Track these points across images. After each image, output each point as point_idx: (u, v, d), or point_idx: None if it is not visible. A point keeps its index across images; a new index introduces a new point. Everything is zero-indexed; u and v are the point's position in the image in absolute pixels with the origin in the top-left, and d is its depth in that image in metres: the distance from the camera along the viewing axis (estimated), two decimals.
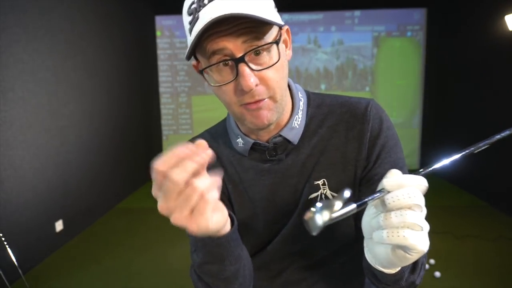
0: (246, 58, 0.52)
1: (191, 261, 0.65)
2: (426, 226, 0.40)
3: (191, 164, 0.39)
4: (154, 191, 0.41)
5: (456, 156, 0.49)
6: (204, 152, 0.40)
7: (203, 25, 0.49)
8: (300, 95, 0.68)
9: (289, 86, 0.67)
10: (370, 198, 0.41)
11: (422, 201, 0.40)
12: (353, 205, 0.41)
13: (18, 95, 2.60)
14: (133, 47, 4.77)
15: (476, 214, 3.62)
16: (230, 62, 0.53)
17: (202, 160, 0.40)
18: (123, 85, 4.47)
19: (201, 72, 0.59)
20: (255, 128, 0.60)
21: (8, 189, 2.48)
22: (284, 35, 0.60)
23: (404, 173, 0.62)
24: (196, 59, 0.60)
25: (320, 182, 0.64)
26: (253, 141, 0.66)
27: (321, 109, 0.68)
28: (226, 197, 0.69)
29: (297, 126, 0.65)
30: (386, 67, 5.51)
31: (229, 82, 0.54)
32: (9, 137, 2.51)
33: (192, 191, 0.39)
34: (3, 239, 2.21)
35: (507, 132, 0.50)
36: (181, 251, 2.94)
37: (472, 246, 2.91)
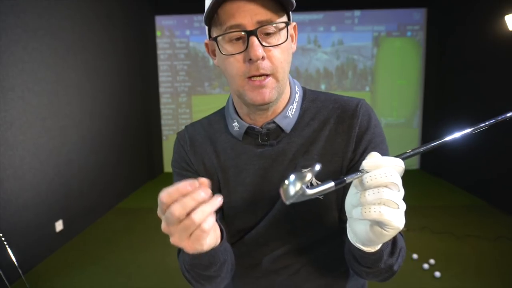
0: (258, 33, 0.57)
1: (178, 251, 0.70)
2: (402, 205, 0.42)
3: (190, 201, 0.43)
4: (159, 213, 0.46)
5: (434, 143, 0.52)
6: (204, 190, 0.44)
7: None
8: (297, 88, 0.72)
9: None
10: (349, 177, 0.44)
11: (398, 180, 0.42)
12: (331, 183, 0.43)
13: (18, 95, 2.60)
14: (133, 47, 4.77)
15: (476, 214, 3.63)
16: (243, 34, 0.58)
17: (201, 198, 0.44)
18: (123, 85, 4.47)
19: (214, 41, 0.62)
20: (254, 105, 0.63)
21: (8, 189, 2.48)
22: (292, 30, 0.66)
23: None
24: (209, 37, 0.65)
25: (306, 170, 0.67)
26: (248, 125, 0.69)
27: (315, 103, 0.72)
28: (216, 188, 0.72)
29: (291, 116, 0.69)
30: (386, 67, 5.51)
31: (239, 53, 0.59)
32: (9, 137, 2.51)
33: (191, 223, 0.43)
34: (3, 239, 2.21)
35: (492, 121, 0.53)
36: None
37: (472, 246, 2.91)
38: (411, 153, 0.47)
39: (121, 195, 4.38)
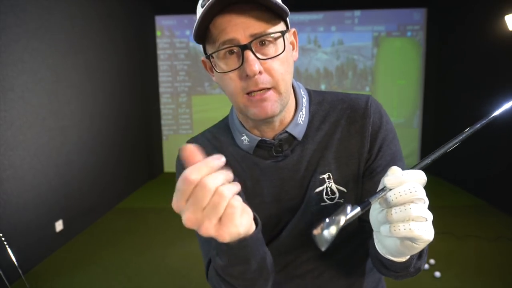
0: (252, 46, 0.54)
1: (206, 263, 0.66)
2: (430, 216, 0.42)
3: (220, 175, 0.40)
4: (179, 203, 0.40)
5: (449, 146, 0.52)
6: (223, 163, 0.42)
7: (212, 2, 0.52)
8: (302, 93, 0.70)
9: (292, 85, 0.69)
10: (373, 197, 0.43)
11: (423, 194, 0.42)
12: (358, 208, 0.43)
13: (18, 95, 2.60)
14: (133, 47, 4.77)
15: (476, 214, 3.62)
16: (236, 50, 0.55)
17: (228, 175, 0.41)
18: (123, 85, 4.47)
19: (209, 59, 0.60)
20: (258, 120, 0.60)
21: (8, 189, 2.48)
22: (291, 37, 0.64)
23: (402, 164, 0.60)
24: (205, 54, 0.61)
25: (325, 176, 0.66)
26: (259, 138, 0.66)
27: (323, 105, 0.70)
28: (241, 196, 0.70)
29: (302, 123, 0.67)
30: (386, 67, 5.51)
31: (235, 69, 0.56)
32: (9, 137, 2.51)
33: (220, 198, 0.40)
34: (3, 239, 2.21)
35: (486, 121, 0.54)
36: (181, 251, 2.94)
37: (472, 246, 2.91)
38: (429, 160, 0.48)
39: (121, 195, 4.38)
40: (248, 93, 0.57)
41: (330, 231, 0.42)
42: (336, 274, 0.72)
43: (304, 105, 0.68)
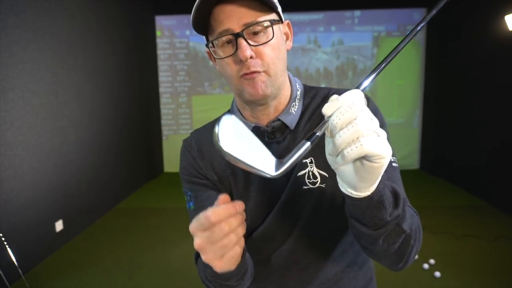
0: (245, 34, 0.60)
1: (196, 257, 0.72)
2: (382, 132, 0.40)
3: (234, 222, 0.47)
4: (196, 231, 0.47)
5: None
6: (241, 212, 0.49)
7: None
8: (298, 85, 0.75)
9: (288, 78, 0.74)
10: (317, 128, 0.43)
11: (366, 108, 0.41)
12: (307, 143, 0.43)
13: (18, 95, 2.60)
14: (133, 47, 4.77)
15: (476, 214, 3.63)
16: (231, 38, 0.61)
17: (241, 219, 0.49)
18: (123, 85, 4.47)
19: (209, 49, 0.67)
20: (252, 100, 0.65)
21: (8, 189, 2.48)
22: (286, 28, 0.70)
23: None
24: (207, 46, 0.68)
25: (307, 160, 0.69)
26: (253, 124, 0.71)
27: (316, 99, 0.74)
28: (227, 190, 0.74)
29: (294, 112, 0.71)
30: (386, 67, 5.43)
31: (230, 55, 0.62)
32: (9, 137, 2.51)
33: (228, 242, 0.47)
34: (3, 239, 2.21)
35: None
36: (181, 251, 2.94)
37: (472, 246, 2.91)
38: (369, 78, 0.47)
39: (121, 195, 4.38)
40: (242, 76, 0.63)
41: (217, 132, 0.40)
42: (322, 267, 0.73)
43: (298, 96, 0.73)
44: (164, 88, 5.72)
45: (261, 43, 0.62)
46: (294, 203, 0.69)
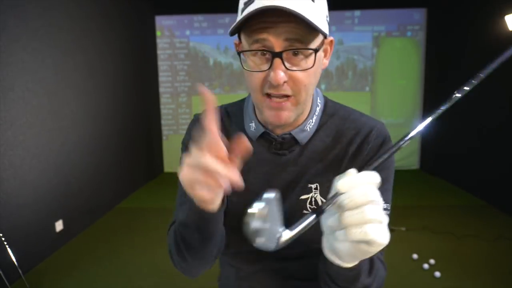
0: (284, 55, 0.55)
1: (172, 217, 0.70)
2: (385, 219, 0.42)
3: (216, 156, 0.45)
4: (192, 158, 0.45)
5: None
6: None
7: (256, 7, 0.52)
8: (319, 101, 0.71)
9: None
10: (326, 203, 0.43)
11: (377, 196, 0.42)
12: (312, 216, 0.44)
13: (18, 95, 2.60)
14: (133, 47, 4.77)
15: (476, 214, 3.63)
16: (267, 54, 0.56)
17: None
18: (123, 85, 4.47)
19: (238, 53, 0.61)
20: (269, 122, 0.63)
21: (8, 189, 2.48)
22: (327, 45, 0.64)
23: (388, 196, 0.62)
24: (239, 39, 0.62)
25: (313, 186, 0.68)
26: (264, 130, 0.68)
27: (334, 119, 0.71)
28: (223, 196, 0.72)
29: (308, 130, 0.68)
30: (386, 67, 5.51)
31: (261, 71, 0.57)
32: (9, 137, 2.51)
33: (225, 172, 0.44)
34: (3, 239, 2.21)
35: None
36: None
37: (472, 246, 2.91)
38: (385, 157, 0.46)
39: (121, 195, 4.38)
40: (267, 94, 0.58)
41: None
42: (310, 273, 0.72)
43: (317, 113, 0.69)
44: (164, 88, 5.72)
45: (298, 69, 0.56)
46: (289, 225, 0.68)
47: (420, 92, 5.55)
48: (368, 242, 0.41)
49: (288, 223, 0.66)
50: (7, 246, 2.20)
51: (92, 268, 2.72)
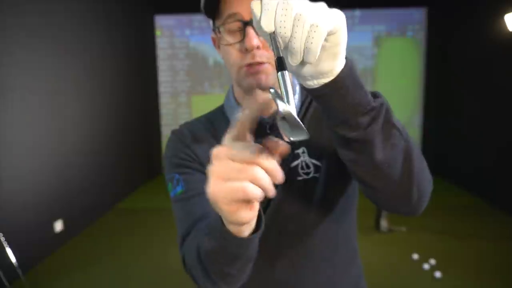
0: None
1: (181, 234, 0.63)
2: (318, 4, 0.36)
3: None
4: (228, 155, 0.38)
5: None
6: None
7: None
8: (296, 81, 0.73)
9: None
10: (275, 52, 0.37)
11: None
12: (285, 72, 0.36)
13: (18, 95, 2.60)
14: (133, 47, 4.77)
15: (476, 214, 3.62)
16: (239, 25, 0.59)
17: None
18: (123, 85, 4.46)
19: (215, 32, 0.64)
20: (252, 89, 0.63)
21: (8, 189, 2.48)
22: None
23: None
24: (214, 30, 0.65)
25: (299, 150, 0.68)
26: None
27: None
28: None
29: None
30: (386, 67, 5.50)
31: (237, 42, 0.61)
32: (9, 137, 2.51)
33: (260, 178, 0.37)
34: (3, 239, 2.21)
35: None
36: None
37: (472, 246, 2.91)
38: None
39: (120, 195, 4.38)
40: (246, 66, 0.61)
41: (286, 113, 0.33)
42: (315, 262, 0.72)
43: (298, 92, 0.72)
44: (164, 88, 5.72)
45: None
46: (288, 196, 0.68)
47: (420, 92, 5.55)
48: (329, 33, 0.36)
49: (285, 194, 0.67)
50: (7, 246, 2.20)
51: (92, 268, 2.72)
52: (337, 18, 0.37)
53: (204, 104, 5.62)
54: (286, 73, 0.36)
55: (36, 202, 2.76)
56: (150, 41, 5.46)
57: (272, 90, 0.36)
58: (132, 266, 2.75)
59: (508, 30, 3.42)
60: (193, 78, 5.66)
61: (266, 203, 0.70)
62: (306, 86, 0.43)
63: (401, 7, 5.31)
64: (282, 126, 0.34)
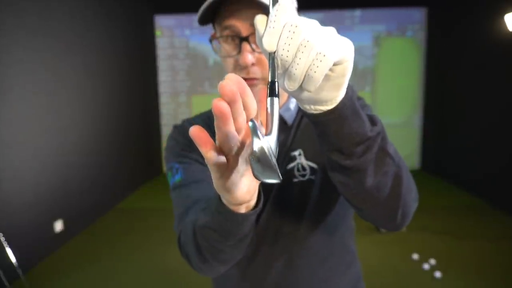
0: (250, 39, 0.57)
1: (179, 213, 0.63)
2: (330, 30, 0.35)
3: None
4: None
5: None
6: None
7: None
8: None
9: None
10: (270, 74, 0.35)
11: (303, 18, 0.35)
12: (274, 98, 0.35)
13: (18, 95, 2.60)
14: (132, 47, 4.77)
15: (476, 214, 3.62)
16: (236, 40, 0.59)
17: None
18: (123, 85, 4.46)
19: (210, 41, 0.65)
20: None
21: (8, 189, 2.48)
22: None
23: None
24: (214, 29, 0.66)
25: (296, 153, 0.69)
26: None
27: None
28: None
29: (292, 108, 0.71)
30: (386, 67, 5.50)
31: (232, 56, 0.61)
32: (9, 137, 2.51)
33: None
34: (3, 239, 2.21)
35: None
36: None
37: (472, 246, 2.91)
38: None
39: (120, 195, 4.38)
40: None
41: (260, 150, 0.31)
42: (312, 265, 0.72)
43: None
44: (163, 87, 5.72)
45: None
46: (284, 198, 0.69)
47: (420, 92, 5.55)
48: (335, 63, 0.35)
49: (281, 196, 0.68)
50: (7, 246, 2.20)
51: (92, 268, 2.71)
52: (346, 48, 0.36)
53: (204, 104, 5.62)
54: (276, 100, 0.35)
55: (36, 202, 2.76)
56: (150, 41, 5.46)
57: (250, 124, 0.32)
58: (132, 266, 2.75)
59: (508, 30, 3.42)
60: (193, 78, 5.66)
61: (262, 204, 0.69)
62: (303, 109, 0.42)
63: (401, 7, 5.31)
64: (253, 166, 0.32)
